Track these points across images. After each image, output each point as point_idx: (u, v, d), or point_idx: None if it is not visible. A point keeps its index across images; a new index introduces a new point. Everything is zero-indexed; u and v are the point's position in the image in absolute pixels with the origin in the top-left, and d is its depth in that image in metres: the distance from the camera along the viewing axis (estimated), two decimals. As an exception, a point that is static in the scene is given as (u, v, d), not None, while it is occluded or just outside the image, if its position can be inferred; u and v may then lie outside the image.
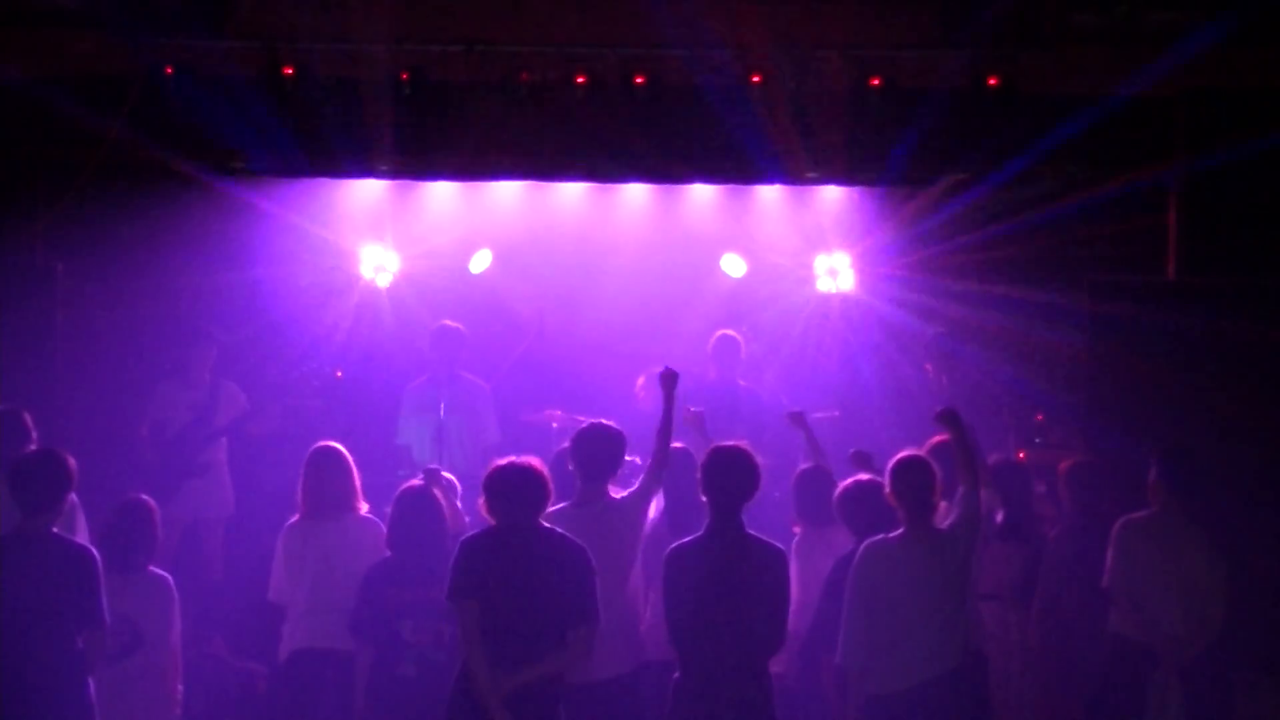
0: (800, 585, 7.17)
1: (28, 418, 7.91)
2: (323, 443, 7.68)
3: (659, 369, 7.69)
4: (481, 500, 6.57)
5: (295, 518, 7.50)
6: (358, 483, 7.55)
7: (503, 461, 6.60)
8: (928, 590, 6.64)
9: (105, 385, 10.48)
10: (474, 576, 6.41)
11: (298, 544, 7.41)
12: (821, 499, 7.61)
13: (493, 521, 6.53)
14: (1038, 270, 10.61)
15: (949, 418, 7.09)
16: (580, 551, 6.50)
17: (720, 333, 10.15)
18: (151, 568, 7.12)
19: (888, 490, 6.82)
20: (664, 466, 7.24)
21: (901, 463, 6.81)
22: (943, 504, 6.91)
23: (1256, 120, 9.80)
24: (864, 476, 7.25)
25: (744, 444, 6.86)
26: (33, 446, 7.55)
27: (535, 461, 6.59)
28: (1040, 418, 10.35)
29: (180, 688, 7.23)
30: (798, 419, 8.50)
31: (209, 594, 9.23)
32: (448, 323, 10.20)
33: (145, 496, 7.26)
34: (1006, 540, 7.68)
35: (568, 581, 6.43)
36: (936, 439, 7.35)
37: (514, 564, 6.39)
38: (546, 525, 6.55)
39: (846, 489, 7.22)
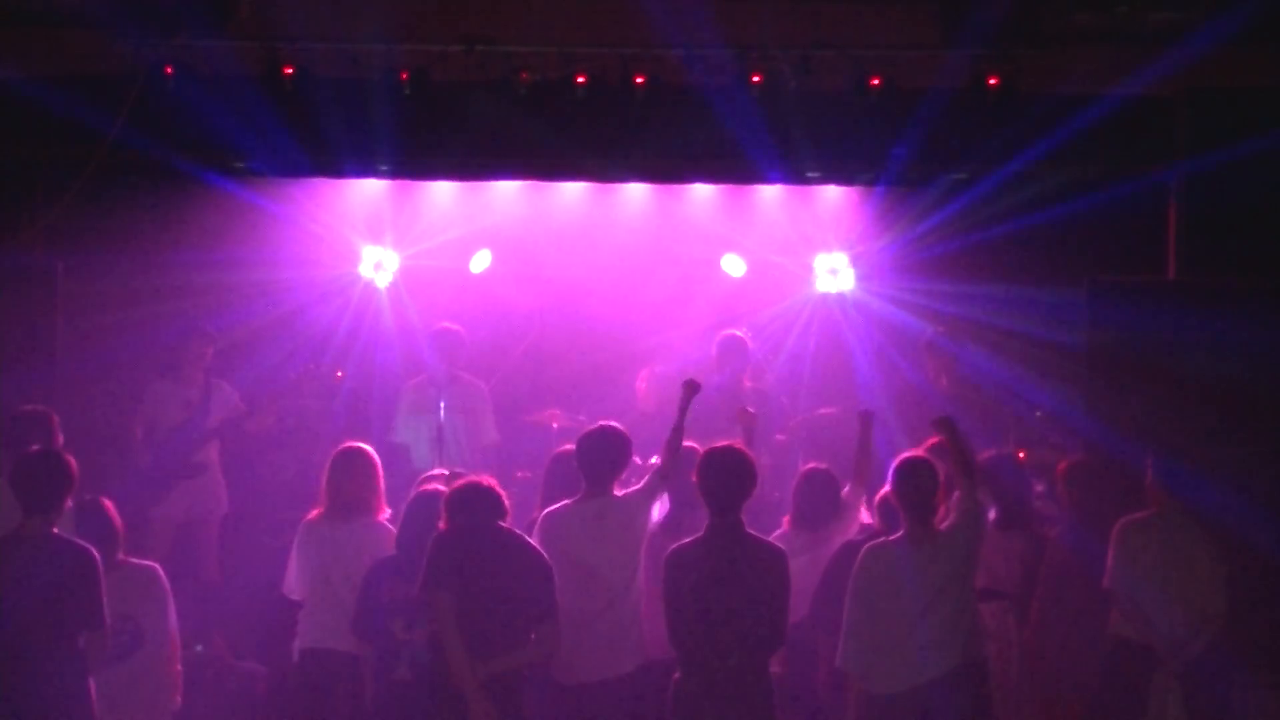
0: (796, 584, 7.16)
1: (55, 419, 7.93)
2: (350, 443, 7.70)
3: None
4: (442, 519, 6.77)
5: (315, 513, 7.52)
6: (381, 486, 7.56)
7: (460, 482, 6.88)
8: (928, 591, 6.64)
9: (105, 385, 10.47)
10: (449, 570, 6.61)
11: (313, 541, 7.44)
12: (822, 502, 7.61)
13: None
14: (1038, 270, 10.60)
15: (945, 425, 7.10)
16: (538, 553, 6.76)
17: (725, 332, 10.12)
18: (124, 556, 7.08)
19: (889, 491, 6.82)
20: (673, 470, 7.29)
21: (904, 464, 6.82)
22: (940, 506, 6.91)
23: (1256, 120, 9.81)
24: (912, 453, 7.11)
25: (739, 444, 6.89)
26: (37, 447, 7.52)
27: (488, 479, 6.88)
28: (1040, 417, 10.35)
29: (179, 669, 7.26)
30: (866, 419, 8.24)
31: (204, 594, 9.23)
32: (447, 324, 10.20)
33: (90, 496, 7.21)
34: (1004, 533, 7.67)
35: (530, 580, 6.65)
36: (933, 439, 7.35)
37: (482, 560, 6.61)
38: (506, 527, 6.76)
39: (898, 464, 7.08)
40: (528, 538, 6.89)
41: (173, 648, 7.19)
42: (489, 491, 6.77)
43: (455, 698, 6.53)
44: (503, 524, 6.76)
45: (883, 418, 8.95)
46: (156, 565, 7.21)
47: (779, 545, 6.78)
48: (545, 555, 6.79)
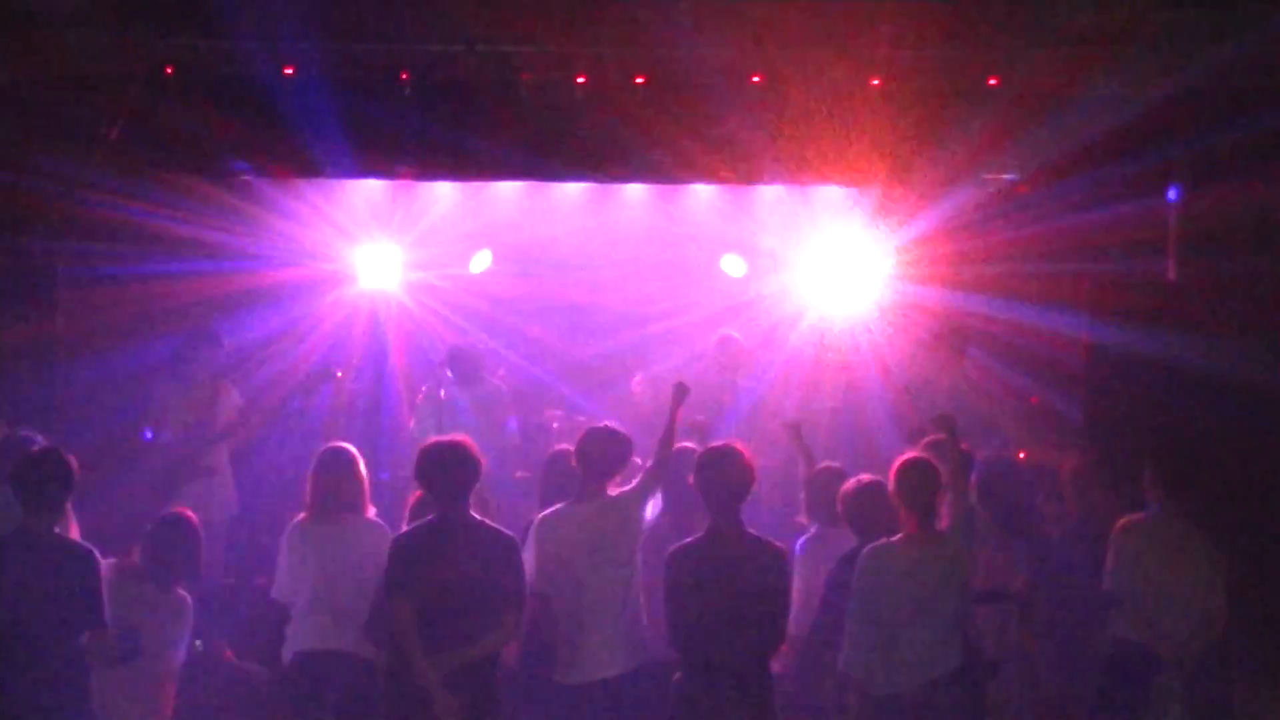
0: (805, 584, 7.18)
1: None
2: (333, 443, 7.68)
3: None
4: (417, 481, 6.88)
5: (301, 516, 7.50)
6: (366, 485, 7.54)
7: (430, 441, 6.94)
8: (930, 591, 6.64)
9: (105, 386, 10.47)
10: (409, 575, 6.65)
11: (301, 543, 7.40)
12: (834, 498, 7.62)
13: (426, 492, 6.87)
14: (1038, 270, 10.61)
15: (944, 423, 7.11)
16: (509, 540, 6.76)
17: (721, 333, 10.15)
18: (180, 590, 7.13)
19: (891, 491, 6.82)
20: (664, 470, 7.30)
21: (905, 464, 6.81)
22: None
23: (1256, 120, 9.81)
24: (866, 477, 7.24)
25: (736, 443, 6.90)
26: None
27: (463, 438, 6.86)
28: (1039, 414, 10.36)
29: (170, 710, 7.24)
30: (793, 428, 8.48)
31: (212, 596, 9.22)
32: (459, 344, 10.25)
33: (189, 514, 7.27)
34: (1005, 534, 7.67)
35: (497, 569, 6.65)
36: (930, 438, 7.35)
37: (446, 558, 6.63)
38: (476, 517, 6.76)
39: (849, 489, 7.23)
40: (491, 523, 6.84)
41: (170, 675, 7.18)
42: (460, 453, 6.73)
43: (419, 692, 6.54)
44: (468, 511, 6.70)
45: (879, 417, 8.97)
46: (188, 598, 7.22)
47: (779, 545, 6.78)
48: (515, 540, 6.79)
